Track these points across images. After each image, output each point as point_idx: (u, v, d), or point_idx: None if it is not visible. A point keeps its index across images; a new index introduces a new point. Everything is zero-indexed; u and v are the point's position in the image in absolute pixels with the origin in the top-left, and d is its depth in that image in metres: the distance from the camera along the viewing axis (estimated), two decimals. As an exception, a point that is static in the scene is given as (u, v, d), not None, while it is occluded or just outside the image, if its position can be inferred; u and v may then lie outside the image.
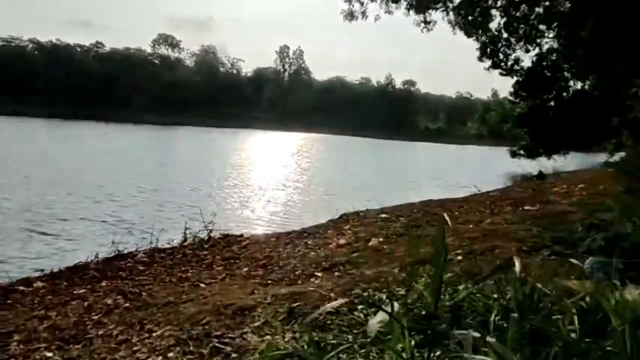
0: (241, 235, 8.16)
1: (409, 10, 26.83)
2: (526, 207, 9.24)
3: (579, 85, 33.42)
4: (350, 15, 24.28)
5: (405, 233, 6.90)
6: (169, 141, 47.79)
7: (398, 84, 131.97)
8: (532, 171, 32.04)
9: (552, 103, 34.30)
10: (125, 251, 6.70)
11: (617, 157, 41.85)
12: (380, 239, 5.24)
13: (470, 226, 6.91)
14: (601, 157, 38.66)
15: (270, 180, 21.19)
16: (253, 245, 6.94)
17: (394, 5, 25.86)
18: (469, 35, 33.00)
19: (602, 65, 28.96)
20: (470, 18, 31.04)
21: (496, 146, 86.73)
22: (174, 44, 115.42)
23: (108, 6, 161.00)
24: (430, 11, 28.17)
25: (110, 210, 11.91)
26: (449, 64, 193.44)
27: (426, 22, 29.13)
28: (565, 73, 34.93)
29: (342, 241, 5.43)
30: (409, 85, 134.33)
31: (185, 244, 7.22)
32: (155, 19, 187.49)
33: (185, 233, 7.60)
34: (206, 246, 6.98)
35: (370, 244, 5.02)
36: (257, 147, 45.35)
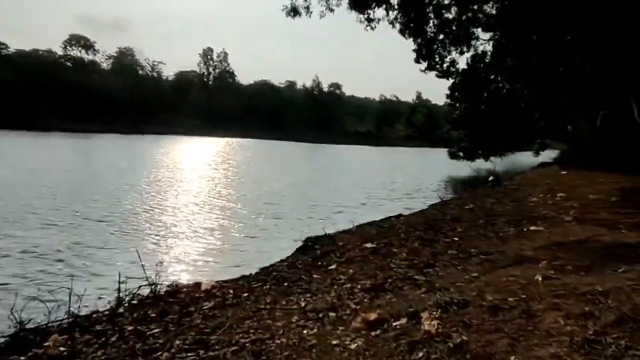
0: (197, 286, 6.12)
1: (351, 7, 25.67)
2: (532, 228, 7.91)
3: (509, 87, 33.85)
4: (294, 11, 22.58)
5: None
6: (82, 151, 43.41)
7: (324, 87, 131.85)
8: (466, 173, 31.96)
9: (486, 105, 34.54)
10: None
11: (543, 155, 43.31)
12: (431, 312, 3.49)
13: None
14: (521, 157, 39.74)
15: (198, 198, 17.73)
16: (224, 311, 4.96)
17: (335, 1, 24.55)
18: (407, 36, 32.38)
19: (528, 73, 29.34)
20: (408, 18, 30.36)
21: (424, 147, 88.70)
22: (87, 46, 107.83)
23: (11, 3, 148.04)
24: (371, 10, 27.19)
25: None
26: (374, 68, 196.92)
27: (369, 20, 28.07)
28: (499, 76, 35.37)
29: (371, 316, 3.62)
30: (335, 88, 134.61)
31: (120, 310, 5.11)
32: (66, 18, 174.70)
33: (119, 291, 5.46)
34: (153, 314, 4.92)
35: (424, 326, 3.23)
36: (179, 156, 41.33)
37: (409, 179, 26.16)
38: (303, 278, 6.18)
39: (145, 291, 5.75)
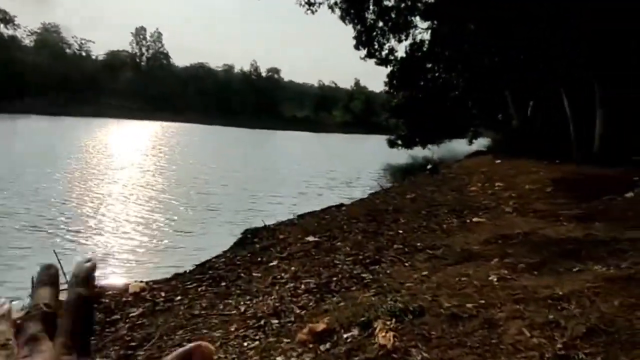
0: (124, 289, 5.50)
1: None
2: (474, 219, 7.85)
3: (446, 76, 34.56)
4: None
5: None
6: None
7: (263, 71, 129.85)
8: (404, 160, 32.46)
9: (424, 94, 35.12)
10: None
11: (476, 143, 44.80)
12: (385, 322, 3.14)
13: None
14: (456, 144, 40.99)
15: (126, 188, 16.19)
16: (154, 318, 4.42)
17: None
18: (347, 22, 32.13)
19: (462, 63, 30.06)
20: (348, 4, 30.09)
21: (362, 134, 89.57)
22: (7, 20, 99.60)
23: None
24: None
25: None
26: (313, 53, 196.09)
27: (310, 4, 27.54)
28: (436, 65, 36.00)
29: (319, 326, 3.22)
30: (274, 73, 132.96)
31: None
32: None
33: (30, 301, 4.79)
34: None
35: (378, 339, 2.87)
36: (107, 140, 37.84)
37: (349, 167, 26.06)
38: (242, 277, 5.73)
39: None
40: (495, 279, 3.91)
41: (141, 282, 5.95)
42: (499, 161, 18.46)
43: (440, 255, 5.39)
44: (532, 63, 22.42)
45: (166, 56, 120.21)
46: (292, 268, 5.72)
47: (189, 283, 5.76)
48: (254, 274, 5.72)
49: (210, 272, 6.15)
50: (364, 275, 5.05)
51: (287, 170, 23.95)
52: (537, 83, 23.14)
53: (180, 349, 0.47)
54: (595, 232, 5.47)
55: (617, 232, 5.36)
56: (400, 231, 7.43)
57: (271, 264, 6.14)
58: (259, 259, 6.58)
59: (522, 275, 3.98)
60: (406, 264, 5.33)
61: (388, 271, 5.10)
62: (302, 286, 4.92)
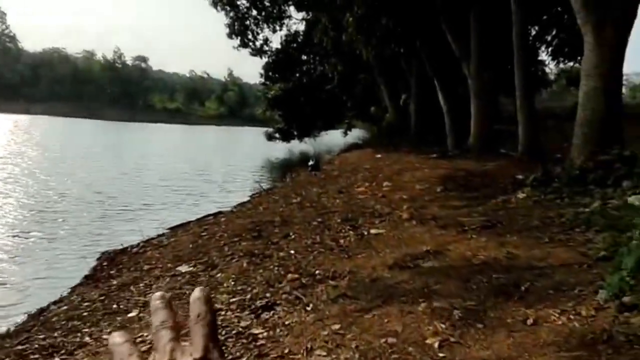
0: None
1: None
2: (372, 231, 7.03)
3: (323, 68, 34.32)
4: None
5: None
6: None
7: (128, 59, 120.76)
8: (283, 154, 31.62)
9: (300, 85, 34.54)
10: None
11: (350, 135, 45.61)
12: None
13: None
14: (331, 136, 41.30)
15: None
16: None
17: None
18: (218, 8, 30.24)
19: (337, 55, 30.00)
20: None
21: (237, 126, 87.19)
22: None
23: None
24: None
25: None
26: (183, 41, 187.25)
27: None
28: (311, 57, 35.58)
29: None
30: (141, 61, 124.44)
31: None
32: None
33: None
34: None
35: None
36: None
37: (226, 164, 24.34)
38: (87, 343, 4.17)
39: None
40: (435, 344, 2.96)
41: None
42: (379, 156, 18.25)
43: (348, 291, 4.36)
44: (404, 54, 22.75)
45: (12, 39, 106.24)
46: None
47: None
48: (104, 335, 4.20)
49: (40, 335, 4.47)
50: (255, 331, 3.83)
51: (155, 170, 21.44)
52: (410, 74, 23.58)
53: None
54: (513, 249, 4.85)
55: (537, 249, 4.79)
56: (293, 251, 6.32)
57: (130, 315, 4.65)
58: (115, 305, 5.03)
59: (467, 334, 3.08)
60: (308, 307, 4.22)
61: (286, 322, 3.94)
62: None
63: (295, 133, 33.85)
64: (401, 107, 26.29)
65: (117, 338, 0.45)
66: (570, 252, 4.49)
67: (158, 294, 0.48)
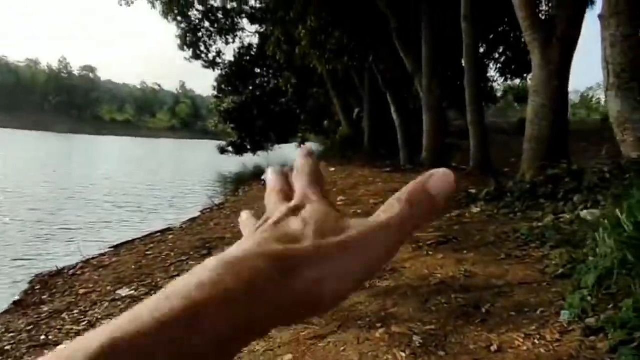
0: None
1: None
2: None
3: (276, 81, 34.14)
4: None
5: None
6: None
7: (75, 69, 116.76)
8: (235, 168, 30.99)
9: (253, 99, 34.21)
10: None
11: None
12: None
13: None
14: (285, 150, 41.08)
15: None
16: None
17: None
18: (169, 19, 29.61)
19: (291, 68, 30.00)
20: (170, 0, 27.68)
21: (189, 139, 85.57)
22: None
23: None
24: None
25: None
26: (135, 52, 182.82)
27: (125, -5, 24.51)
28: (265, 69, 35.36)
29: None
30: (89, 71, 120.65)
31: None
32: None
33: None
34: None
35: None
36: None
37: (177, 178, 23.54)
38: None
39: None
40: (396, 376, 2.74)
41: None
42: (333, 169, 18.14)
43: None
44: (357, 68, 22.91)
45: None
46: None
47: None
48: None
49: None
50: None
51: (101, 184, 20.41)
52: (363, 88, 23.74)
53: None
54: (471, 267, 4.72)
55: (494, 266, 4.68)
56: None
57: (61, 347, 4.18)
58: (43, 336, 4.54)
59: (429, 363, 2.87)
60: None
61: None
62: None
63: (249, 147, 33.41)
64: (354, 120, 26.42)
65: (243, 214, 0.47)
66: (528, 269, 4.40)
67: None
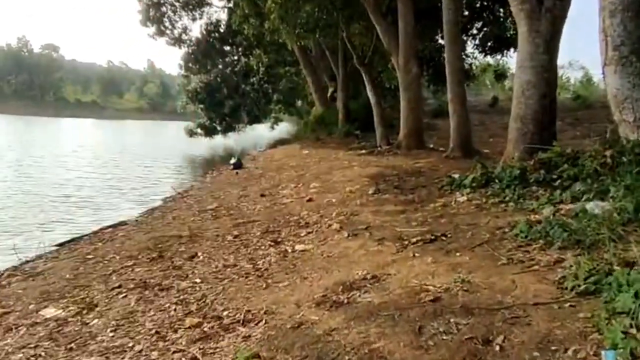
0: None
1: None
2: (298, 247, 5.96)
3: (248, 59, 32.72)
4: None
5: None
6: None
7: (36, 48, 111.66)
8: (205, 151, 29.64)
9: (223, 78, 32.81)
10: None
11: (277, 129, 44.51)
12: None
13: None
14: (258, 131, 39.80)
15: None
16: None
17: None
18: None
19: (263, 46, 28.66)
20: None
21: (158, 120, 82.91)
22: None
23: None
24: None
25: None
26: (98, 28, 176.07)
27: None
28: (234, 47, 33.85)
29: None
30: (51, 50, 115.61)
31: None
32: None
33: None
34: None
35: None
36: None
37: (142, 163, 22.07)
38: None
39: None
40: None
41: None
42: (306, 152, 17.25)
43: (263, 350, 3.22)
44: (330, 45, 21.84)
45: None
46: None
47: None
48: None
49: None
50: None
51: (51, 173, 18.86)
52: (337, 67, 22.72)
53: None
54: (468, 275, 3.93)
55: (496, 274, 3.90)
56: (199, 279, 5.10)
57: None
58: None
59: None
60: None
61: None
62: None
63: (219, 128, 32.11)
64: (328, 100, 25.41)
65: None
66: (539, 280, 3.63)
67: None
